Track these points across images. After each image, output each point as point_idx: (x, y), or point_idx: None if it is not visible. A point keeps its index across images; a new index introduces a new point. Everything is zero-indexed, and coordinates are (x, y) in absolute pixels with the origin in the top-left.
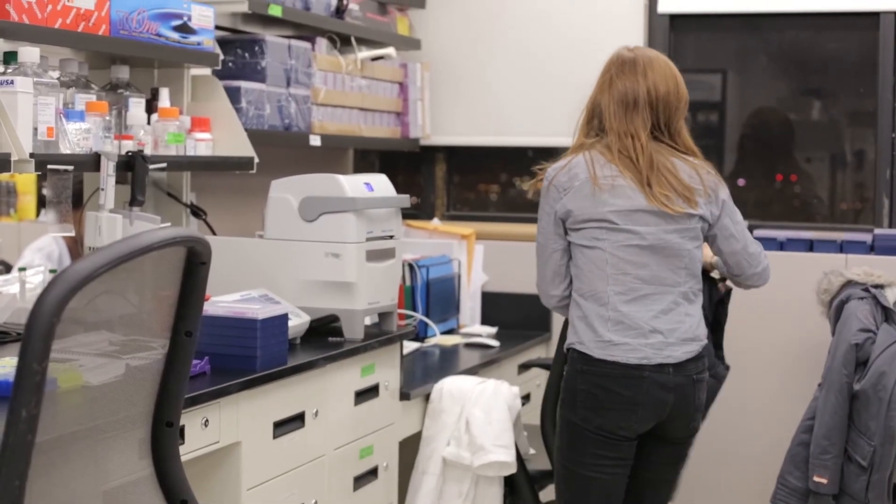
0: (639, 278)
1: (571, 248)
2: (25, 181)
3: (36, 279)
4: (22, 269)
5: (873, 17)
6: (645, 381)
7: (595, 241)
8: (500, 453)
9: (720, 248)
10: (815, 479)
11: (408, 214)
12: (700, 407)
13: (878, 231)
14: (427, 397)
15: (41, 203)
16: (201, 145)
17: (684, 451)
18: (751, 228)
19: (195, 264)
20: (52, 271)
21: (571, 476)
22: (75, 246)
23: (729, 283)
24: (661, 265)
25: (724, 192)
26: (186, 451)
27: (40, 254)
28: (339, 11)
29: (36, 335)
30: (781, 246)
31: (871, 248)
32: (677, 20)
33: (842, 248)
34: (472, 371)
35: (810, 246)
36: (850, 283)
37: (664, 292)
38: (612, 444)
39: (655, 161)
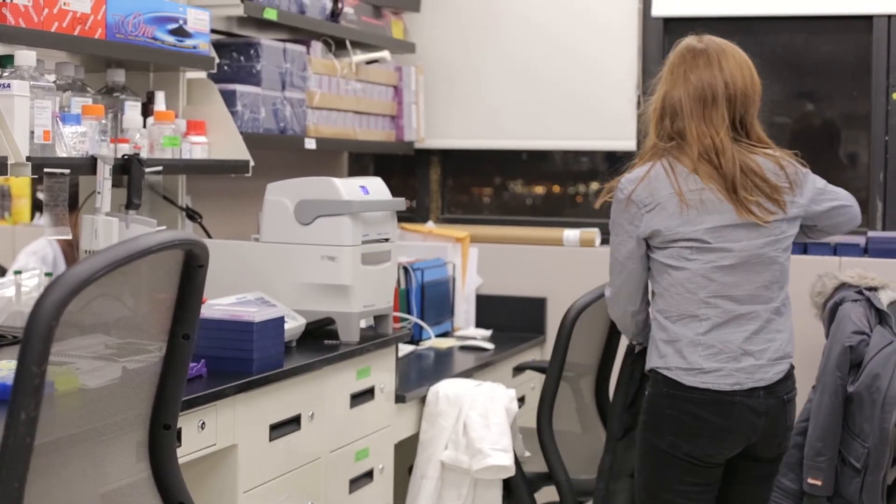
0: (733, 299)
1: (653, 264)
2: (20, 184)
3: (31, 282)
4: (17, 273)
5: (867, 20)
6: (736, 406)
7: (683, 260)
8: (499, 457)
9: (822, 229)
10: (810, 481)
11: (402, 217)
12: (791, 426)
13: (871, 234)
14: (422, 400)
15: (35, 206)
16: (197, 148)
17: (775, 469)
18: None
19: (193, 267)
20: (47, 274)
21: (656, 502)
22: (70, 249)
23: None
24: (754, 282)
25: (812, 179)
26: (183, 454)
27: (35, 257)
28: (334, 15)
29: (35, 337)
30: None
31: (865, 251)
32: (671, 24)
33: (835, 250)
34: (467, 374)
35: (804, 248)
36: (843, 286)
37: (758, 311)
38: (700, 470)
39: (738, 162)
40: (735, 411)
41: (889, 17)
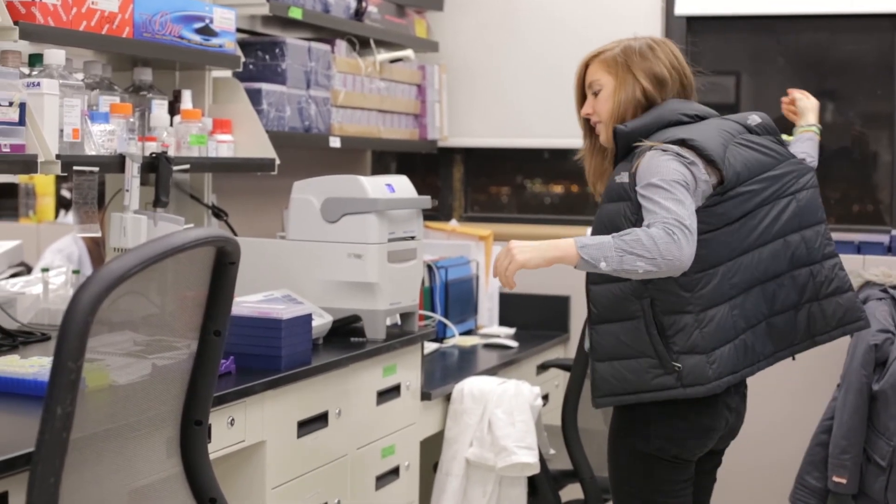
0: None
1: None
2: (44, 183)
3: (58, 280)
4: (45, 270)
5: (890, 18)
6: None
7: None
8: (524, 454)
9: None
10: (835, 479)
11: (426, 216)
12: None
13: (895, 232)
14: (448, 397)
15: (59, 204)
16: (223, 147)
17: None
18: None
19: (224, 264)
20: (75, 272)
21: None
22: (95, 247)
23: None
24: None
25: None
26: (213, 450)
27: (60, 255)
28: (358, 14)
29: (72, 333)
30: None
31: (889, 250)
32: (694, 22)
33: (859, 249)
34: (491, 371)
35: None
36: (868, 284)
37: None
38: None
39: None
40: None
41: None
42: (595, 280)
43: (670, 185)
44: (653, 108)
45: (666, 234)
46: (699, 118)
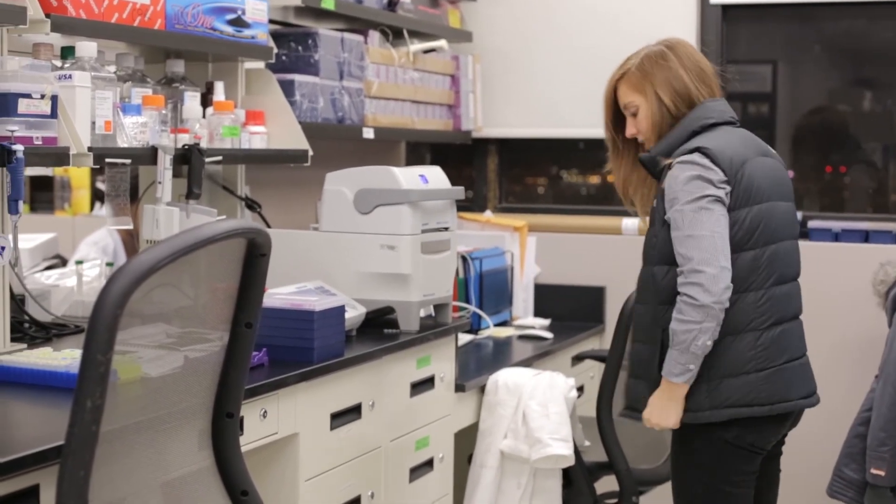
0: None
1: None
2: (79, 175)
3: (92, 272)
4: (79, 263)
5: None
6: None
7: None
8: (559, 446)
9: None
10: (873, 471)
11: (460, 206)
12: None
13: None
14: (482, 389)
15: (94, 197)
16: (256, 138)
17: None
18: (804, 220)
19: (255, 256)
20: (108, 264)
21: None
22: (130, 239)
23: None
24: None
25: None
26: (245, 443)
27: (95, 247)
28: (391, 4)
29: (101, 326)
30: (836, 237)
31: None
32: (730, 10)
33: None
34: (526, 363)
35: (866, 237)
36: None
37: None
38: None
39: None
40: None
41: None
42: (638, 300)
43: (686, 215)
44: (680, 121)
45: (685, 304)
46: (723, 123)
